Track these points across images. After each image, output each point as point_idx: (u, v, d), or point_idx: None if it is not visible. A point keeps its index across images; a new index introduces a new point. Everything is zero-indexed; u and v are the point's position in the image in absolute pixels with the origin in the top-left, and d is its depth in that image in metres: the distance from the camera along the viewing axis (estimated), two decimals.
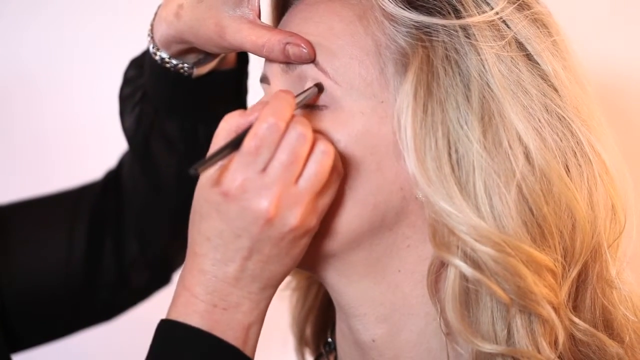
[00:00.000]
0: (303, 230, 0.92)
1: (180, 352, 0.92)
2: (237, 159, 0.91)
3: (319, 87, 0.97)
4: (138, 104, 1.22)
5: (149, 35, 1.13)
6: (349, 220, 0.97)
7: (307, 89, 0.97)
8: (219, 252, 0.92)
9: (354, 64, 0.96)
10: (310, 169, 0.91)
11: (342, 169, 0.94)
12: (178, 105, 1.19)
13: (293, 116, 0.92)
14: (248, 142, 0.90)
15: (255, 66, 1.10)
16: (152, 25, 1.13)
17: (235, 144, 0.91)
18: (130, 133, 1.25)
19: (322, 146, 0.92)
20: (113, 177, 1.37)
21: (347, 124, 0.96)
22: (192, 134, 1.21)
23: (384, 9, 0.96)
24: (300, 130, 0.91)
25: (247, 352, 0.94)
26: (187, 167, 0.90)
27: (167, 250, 1.35)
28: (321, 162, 0.91)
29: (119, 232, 1.35)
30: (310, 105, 0.97)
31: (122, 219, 1.35)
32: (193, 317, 0.93)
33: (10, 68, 1.87)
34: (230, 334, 0.92)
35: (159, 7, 1.11)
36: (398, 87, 0.95)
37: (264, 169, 0.90)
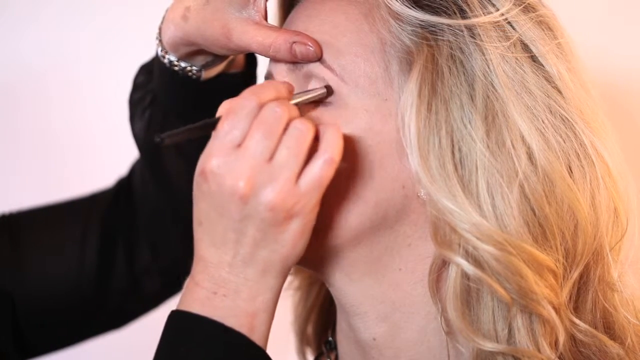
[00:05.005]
0: (283, 211, 0.90)
1: (184, 339, 0.92)
2: (213, 137, 0.92)
3: (328, 90, 0.97)
4: (147, 108, 1.23)
5: (157, 38, 1.14)
6: (350, 218, 0.97)
7: (316, 88, 0.97)
8: (210, 235, 0.92)
9: (359, 62, 0.97)
10: (283, 145, 0.90)
11: (337, 158, 0.91)
12: (187, 108, 1.19)
13: (280, 100, 0.92)
14: (222, 120, 0.91)
15: (264, 68, 1.11)
16: (160, 29, 1.13)
17: (212, 124, 0.92)
18: (140, 139, 1.25)
19: (299, 124, 0.91)
20: (125, 184, 1.38)
21: (351, 121, 0.96)
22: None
23: (389, 7, 0.97)
24: (275, 108, 0.91)
25: (255, 339, 0.93)
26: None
27: (179, 257, 1.35)
28: (296, 138, 0.90)
29: (131, 238, 1.36)
30: (315, 100, 0.97)
31: (134, 225, 1.36)
32: (195, 304, 0.93)
33: (16, 68, 1.88)
34: (232, 321, 0.92)
35: (166, 11, 1.12)
36: (402, 85, 0.96)
37: (239, 146, 0.90)
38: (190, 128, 0.93)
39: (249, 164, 0.90)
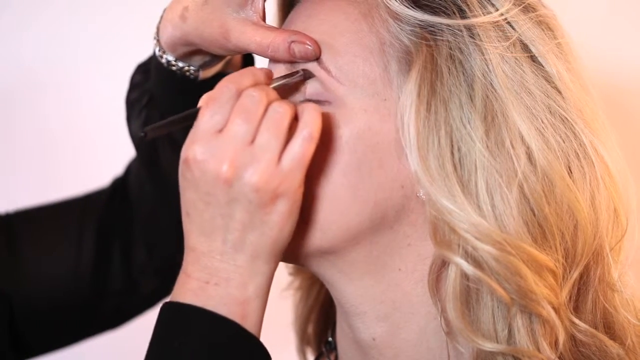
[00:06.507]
0: (269, 192, 0.90)
1: (175, 329, 0.93)
2: (195, 126, 0.92)
3: (306, 74, 0.98)
4: (144, 108, 1.22)
5: (154, 38, 1.14)
6: (349, 217, 0.96)
7: (293, 72, 0.98)
8: (198, 224, 0.93)
9: (358, 62, 0.97)
10: (264, 128, 0.91)
11: (315, 134, 0.92)
12: (184, 108, 1.19)
13: (258, 86, 0.93)
14: (203, 109, 0.92)
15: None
16: (157, 28, 1.13)
17: (194, 114, 0.93)
18: (137, 138, 1.25)
19: (277, 106, 0.92)
20: (120, 184, 1.37)
21: (350, 121, 0.96)
22: None
23: (389, 7, 0.97)
24: (253, 93, 0.92)
25: (248, 327, 0.93)
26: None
27: (175, 256, 1.35)
28: (275, 120, 0.91)
29: (127, 238, 1.36)
30: (314, 100, 0.98)
31: (130, 225, 1.36)
32: (187, 295, 0.93)
33: (15, 68, 1.88)
34: (224, 309, 0.92)
35: (164, 10, 1.12)
36: (401, 85, 0.95)
37: (220, 132, 0.91)
38: (173, 119, 0.94)
39: (231, 147, 0.90)
